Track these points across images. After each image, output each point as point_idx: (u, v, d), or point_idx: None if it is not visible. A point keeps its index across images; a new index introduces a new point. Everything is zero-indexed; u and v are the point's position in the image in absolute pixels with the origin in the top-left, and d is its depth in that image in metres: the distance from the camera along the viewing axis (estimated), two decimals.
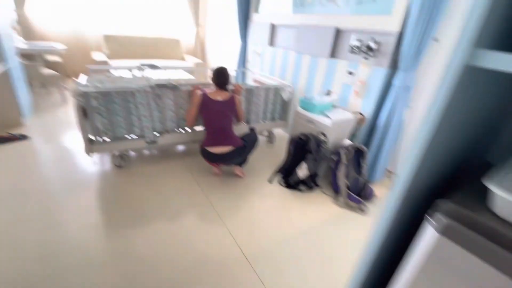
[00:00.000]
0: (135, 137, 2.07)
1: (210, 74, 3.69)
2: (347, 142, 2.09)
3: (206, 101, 2.02)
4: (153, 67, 2.72)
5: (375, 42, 2.03)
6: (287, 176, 2.18)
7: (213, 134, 2.02)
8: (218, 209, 1.82)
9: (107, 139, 1.99)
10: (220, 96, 2.05)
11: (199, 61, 4.92)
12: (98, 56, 4.19)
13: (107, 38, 4.51)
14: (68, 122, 2.91)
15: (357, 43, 2.18)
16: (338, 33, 2.36)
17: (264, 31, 3.29)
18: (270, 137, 2.91)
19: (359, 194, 2.02)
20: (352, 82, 2.28)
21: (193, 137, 2.33)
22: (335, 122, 2.04)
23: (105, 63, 4.00)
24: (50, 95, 3.72)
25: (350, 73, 2.29)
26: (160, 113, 2.09)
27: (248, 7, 3.51)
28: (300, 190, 2.08)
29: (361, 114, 2.20)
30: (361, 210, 1.91)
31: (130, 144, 2.05)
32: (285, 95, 2.62)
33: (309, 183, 2.09)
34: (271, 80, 3.01)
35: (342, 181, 1.97)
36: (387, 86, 2.12)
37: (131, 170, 2.16)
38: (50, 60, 3.99)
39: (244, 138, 2.10)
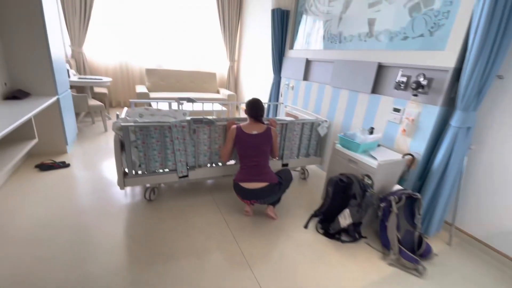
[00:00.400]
0: (167, 170, 2.02)
1: (243, 106, 3.74)
2: (397, 187, 1.85)
3: (240, 134, 1.95)
4: (190, 100, 2.77)
5: (426, 78, 1.87)
6: (325, 222, 1.95)
7: (248, 168, 1.91)
8: (247, 256, 1.64)
9: (140, 172, 1.96)
10: (256, 129, 1.97)
11: (232, 93, 5.05)
12: (140, 88, 4.47)
13: (149, 72, 4.84)
14: (107, 151, 3.02)
15: (404, 79, 2.02)
16: (381, 69, 2.24)
17: (298, 66, 3.28)
18: (304, 174, 2.73)
19: (413, 251, 1.72)
20: (399, 120, 2.09)
21: (224, 172, 2.24)
22: (382, 164, 1.82)
23: (146, 95, 4.24)
24: (94, 124, 3.96)
25: (396, 110, 2.11)
26: (194, 147, 2.05)
27: (283, 44, 3.57)
28: (341, 240, 1.83)
29: (411, 155, 1.97)
30: (418, 272, 1.60)
31: (162, 178, 2.01)
32: (321, 131, 2.48)
33: (352, 233, 1.84)
34: (305, 114, 2.91)
35: (393, 234, 1.70)
36: (441, 126, 1.89)
37: (160, 204, 2.09)
38: (97, 91, 4.33)
39: (279, 174, 1.96)
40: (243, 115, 3.97)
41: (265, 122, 2.11)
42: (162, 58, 5.32)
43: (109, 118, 4.22)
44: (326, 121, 2.48)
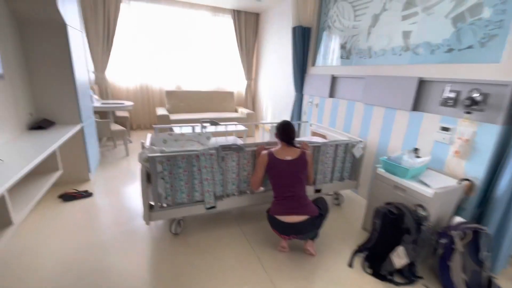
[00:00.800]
0: (194, 202, 1.88)
1: (267, 127, 3.65)
2: (458, 219, 1.60)
3: (273, 161, 1.79)
4: (213, 123, 2.67)
5: (481, 93, 1.66)
6: (373, 260, 1.72)
7: (284, 200, 1.71)
8: None
9: (165, 205, 1.83)
10: (289, 155, 1.80)
11: (251, 111, 4.96)
12: (160, 111, 4.48)
13: (168, 94, 4.86)
14: (129, 177, 2.94)
15: (452, 95, 1.82)
16: (422, 84, 2.05)
17: (323, 83, 3.14)
18: (338, 199, 2.51)
19: None
20: (449, 140, 1.86)
21: (253, 201, 2.07)
22: (439, 192, 1.59)
23: (166, 117, 4.22)
24: (116, 148, 3.94)
25: (445, 129, 1.89)
26: (222, 175, 1.91)
27: (305, 61, 3.47)
28: (394, 282, 1.59)
29: (469, 180, 1.73)
30: None
31: (189, 210, 1.86)
32: (357, 152, 2.28)
33: (407, 274, 1.59)
34: (334, 133, 2.73)
35: (459, 277, 1.44)
36: (504, 147, 1.66)
37: (186, 237, 1.93)
38: (119, 115, 4.36)
39: (317, 205, 1.76)
40: (264, 134, 3.83)
41: (297, 145, 1.95)
42: (180, 79, 5.36)
43: (130, 142, 4.20)
44: (361, 141, 2.29)
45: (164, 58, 5.09)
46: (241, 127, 3.54)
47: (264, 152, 1.84)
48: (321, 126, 3.06)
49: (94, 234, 1.93)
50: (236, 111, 5.39)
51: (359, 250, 1.83)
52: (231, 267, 1.67)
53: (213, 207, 1.92)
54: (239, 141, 3.35)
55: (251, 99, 5.99)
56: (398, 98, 2.21)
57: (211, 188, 1.87)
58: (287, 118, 4.16)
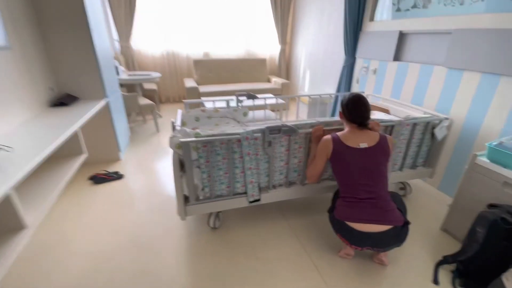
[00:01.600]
0: (235, 194, 1.57)
1: (305, 99, 3.16)
2: None
3: (341, 150, 1.34)
4: (250, 96, 2.27)
5: None
6: (468, 277, 1.31)
7: (360, 202, 1.29)
8: None
9: (201, 197, 1.54)
10: (364, 141, 1.33)
11: (286, 81, 4.43)
12: (188, 82, 4.15)
13: (196, 63, 4.47)
14: (161, 156, 2.73)
15: None
16: None
17: (385, 42, 2.51)
18: (405, 189, 2.06)
19: None
20: None
21: (305, 193, 1.71)
22: None
23: (195, 89, 3.88)
24: (145, 123, 3.74)
25: None
26: (268, 163, 1.55)
27: (360, 15, 2.80)
28: None
29: None
30: None
31: (229, 203, 1.56)
32: (439, 133, 1.76)
33: None
34: (402, 108, 2.20)
35: None
36: None
37: (226, 233, 1.67)
38: (147, 88, 4.10)
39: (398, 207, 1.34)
40: (302, 108, 3.34)
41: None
42: (209, 45, 4.89)
43: (160, 116, 3.99)
44: (446, 119, 1.76)
45: (190, 21, 4.60)
46: (280, 101, 3.09)
47: (327, 137, 1.40)
48: (381, 97, 2.50)
49: (126, 226, 1.73)
50: (269, 81, 4.88)
51: (445, 261, 1.43)
52: (283, 275, 1.38)
53: (258, 200, 1.60)
54: (275, 116, 2.92)
55: (285, 66, 5.38)
56: (505, 59, 1.59)
57: (255, 178, 1.53)
58: (333, 87, 3.60)
